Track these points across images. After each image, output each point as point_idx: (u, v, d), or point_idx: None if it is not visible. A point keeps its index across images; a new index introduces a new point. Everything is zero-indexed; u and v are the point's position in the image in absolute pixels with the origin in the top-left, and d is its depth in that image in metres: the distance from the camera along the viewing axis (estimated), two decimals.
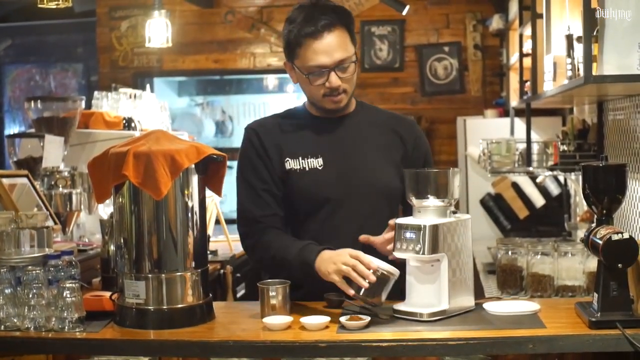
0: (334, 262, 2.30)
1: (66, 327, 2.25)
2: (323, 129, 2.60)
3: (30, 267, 2.34)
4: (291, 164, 2.55)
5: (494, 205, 5.77)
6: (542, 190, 5.62)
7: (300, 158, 2.55)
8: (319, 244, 2.42)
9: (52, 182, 3.83)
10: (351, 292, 2.26)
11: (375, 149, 2.60)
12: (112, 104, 5.11)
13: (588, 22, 2.64)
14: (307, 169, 2.54)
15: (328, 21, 2.47)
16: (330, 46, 2.47)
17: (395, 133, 2.64)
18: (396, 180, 2.56)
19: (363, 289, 2.24)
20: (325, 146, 2.58)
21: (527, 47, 4.68)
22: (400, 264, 2.35)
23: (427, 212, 2.30)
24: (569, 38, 3.06)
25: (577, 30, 2.96)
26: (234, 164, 2.61)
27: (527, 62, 4.61)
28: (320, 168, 2.54)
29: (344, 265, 2.26)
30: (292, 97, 8.36)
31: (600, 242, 2.14)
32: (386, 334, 2.16)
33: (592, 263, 3.03)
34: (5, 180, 3.27)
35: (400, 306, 2.32)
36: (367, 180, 2.55)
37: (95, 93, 5.22)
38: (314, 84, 2.51)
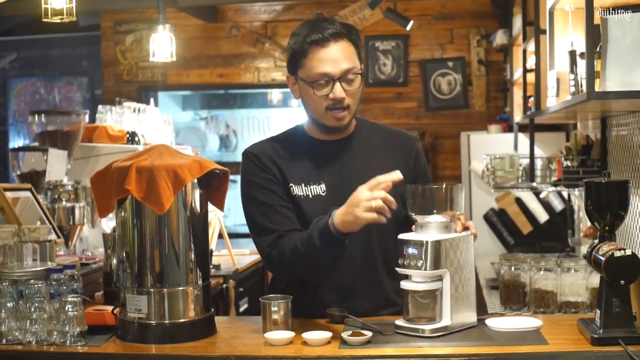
0: (357, 205, 2.23)
1: (68, 341, 2.25)
2: (323, 152, 2.54)
3: (32, 280, 2.34)
4: (295, 190, 2.50)
5: (498, 221, 5.76)
6: (546, 205, 5.62)
7: (302, 185, 2.50)
8: None
9: (56, 196, 3.83)
10: (389, 216, 2.23)
11: (377, 171, 2.48)
12: (116, 117, 5.11)
13: (591, 38, 2.65)
14: (310, 195, 2.50)
15: (335, 31, 2.43)
16: (337, 55, 2.42)
17: (396, 152, 2.61)
18: (398, 201, 2.47)
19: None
20: (327, 171, 2.53)
21: (531, 62, 4.69)
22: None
23: (430, 227, 2.29)
24: (572, 54, 3.07)
25: (580, 46, 2.97)
26: (237, 177, 2.59)
27: (531, 77, 4.62)
28: (323, 194, 2.50)
29: (372, 202, 2.21)
30: (296, 112, 8.33)
31: (603, 258, 2.13)
32: (388, 349, 2.16)
33: (595, 279, 3.02)
34: (8, 194, 3.27)
35: (402, 322, 2.32)
36: None
37: (100, 107, 5.23)
38: (317, 94, 2.44)
